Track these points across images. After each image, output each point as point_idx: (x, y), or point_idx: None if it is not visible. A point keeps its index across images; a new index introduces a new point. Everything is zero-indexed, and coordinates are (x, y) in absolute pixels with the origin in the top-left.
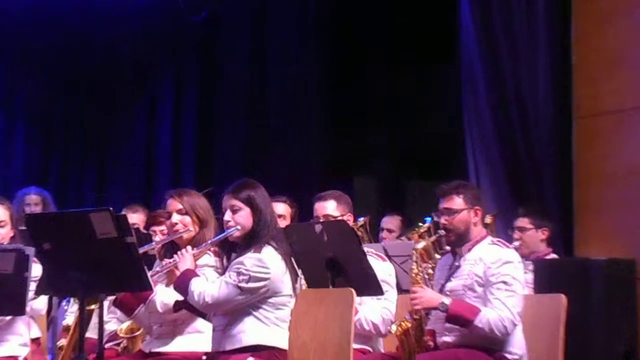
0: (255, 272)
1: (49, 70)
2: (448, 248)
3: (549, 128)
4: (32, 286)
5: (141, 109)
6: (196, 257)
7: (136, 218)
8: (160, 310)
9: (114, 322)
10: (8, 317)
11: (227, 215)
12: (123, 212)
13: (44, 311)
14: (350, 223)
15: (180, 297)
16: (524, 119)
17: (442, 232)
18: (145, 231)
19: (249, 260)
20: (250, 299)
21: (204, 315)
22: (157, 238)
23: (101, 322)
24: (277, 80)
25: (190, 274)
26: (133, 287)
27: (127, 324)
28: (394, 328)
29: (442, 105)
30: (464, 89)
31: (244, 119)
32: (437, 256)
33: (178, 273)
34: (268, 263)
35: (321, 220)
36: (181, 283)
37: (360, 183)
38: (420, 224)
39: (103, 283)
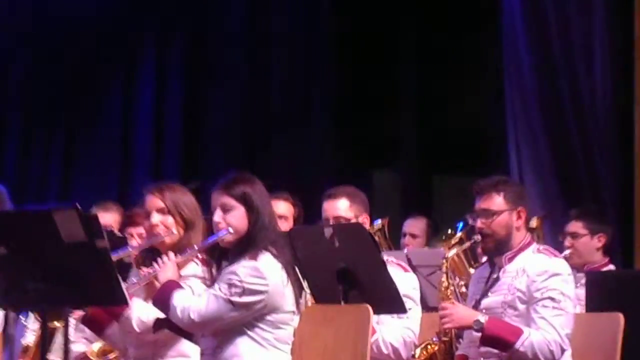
0: (250, 284)
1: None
2: (485, 258)
3: (607, 115)
4: None
5: (116, 87)
6: (180, 266)
7: (109, 218)
8: (137, 329)
9: (82, 342)
10: None
11: (218, 216)
12: (93, 211)
13: (0, 328)
14: (367, 226)
15: (162, 314)
16: (578, 104)
17: (477, 237)
18: (119, 234)
19: (243, 270)
20: (245, 316)
21: (189, 336)
22: (134, 242)
23: (66, 342)
24: (280, 55)
25: (172, 286)
26: (105, 301)
27: (97, 345)
28: (417, 352)
29: (479, 86)
30: (506, 68)
31: (240, 102)
32: (472, 270)
33: (158, 285)
34: (266, 273)
35: (331, 223)
36: (161, 297)
37: (379, 178)
38: (451, 230)
39: (69, 295)
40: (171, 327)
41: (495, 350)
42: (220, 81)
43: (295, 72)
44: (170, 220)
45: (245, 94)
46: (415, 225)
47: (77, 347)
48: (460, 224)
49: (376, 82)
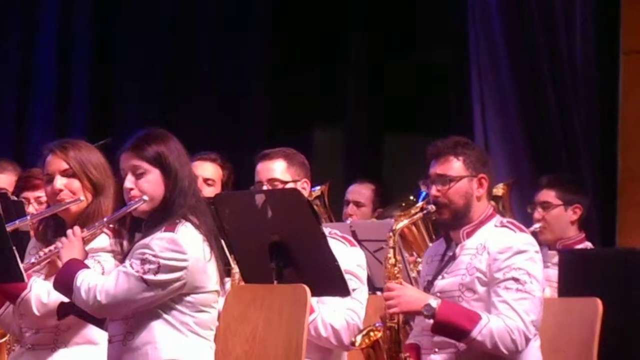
0: (166, 259)
1: None
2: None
3: (587, 66)
4: None
5: (13, 28)
6: (87, 241)
7: (3, 180)
8: (36, 312)
9: None
10: None
11: (129, 182)
12: None
13: None
14: (306, 192)
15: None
16: (553, 54)
17: (431, 207)
18: (15, 198)
19: (158, 243)
20: (160, 297)
21: (99, 322)
22: (32, 209)
23: None
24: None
25: (76, 266)
26: None
27: None
28: (358, 339)
29: (440, 30)
30: (470, 10)
31: (158, 44)
32: (430, 244)
33: (60, 264)
34: (185, 246)
35: (265, 188)
36: (64, 278)
37: (319, 136)
38: (413, 197)
39: None
40: (78, 313)
41: (452, 340)
42: (138, 19)
43: (226, 8)
44: (76, 184)
45: (168, 36)
46: (360, 192)
47: None
48: (424, 192)
49: (317, 21)
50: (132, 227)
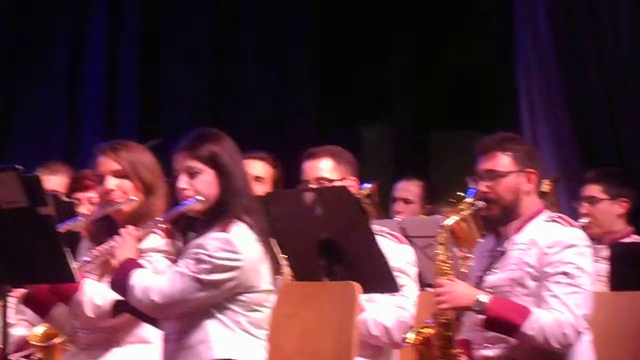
0: (220, 259)
1: None
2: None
3: (634, 64)
4: None
5: (62, 29)
6: (140, 239)
7: (55, 182)
8: (91, 314)
9: (23, 325)
10: None
11: (183, 182)
12: (37, 173)
13: None
14: (354, 190)
15: (120, 296)
16: (600, 50)
17: (480, 203)
18: (67, 199)
19: (212, 243)
20: (214, 297)
21: (153, 321)
22: (85, 210)
23: (5, 326)
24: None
25: (131, 266)
26: (50, 278)
27: (41, 329)
28: (410, 336)
29: (486, 28)
30: (516, 9)
31: (205, 44)
32: (480, 240)
33: (115, 264)
34: (239, 246)
35: (313, 186)
36: (120, 278)
37: (367, 135)
38: (462, 194)
39: (8, 271)
40: (133, 311)
41: (503, 335)
42: (185, 20)
43: (272, 9)
44: (127, 184)
45: (215, 36)
46: (408, 189)
47: (17, 330)
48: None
49: (365, 22)
50: (185, 227)
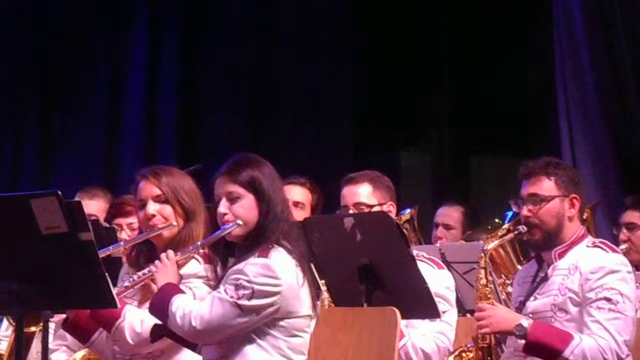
0: (260, 285)
1: None
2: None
3: None
4: None
5: (101, 56)
6: (180, 265)
7: (94, 206)
8: (130, 341)
9: (63, 350)
10: None
11: (223, 207)
12: (77, 198)
13: None
14: (393, 215)
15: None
16: (639, 69)
17: (522, 228)
18: (107, 225)
19: (252, 268)
20: (254, 322)
21: (193, 346)
22: (125, 235)
23: (45, 351)
24: (291, 17)
25: (171, 291)
26: (90, 304)
27: (81, 354)
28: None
29: (525, 53)
30: (555, 32)
31: (245, 71)
32: (519, 267)
33: (155, 289)
34: (278, 272)
35: (352, 212)
36: (159, 303)
37: (407, 160)
38: (498, 220)
39: (48, 297)
40: (172, 336)
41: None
42: (223, 47)
43: (310, 36)
44: (168, 209)
45: (252, 62)
46: (449, 215)
47: (57, 356)
48: (510, 213)
49: (404, 48)
50: (224, 252)
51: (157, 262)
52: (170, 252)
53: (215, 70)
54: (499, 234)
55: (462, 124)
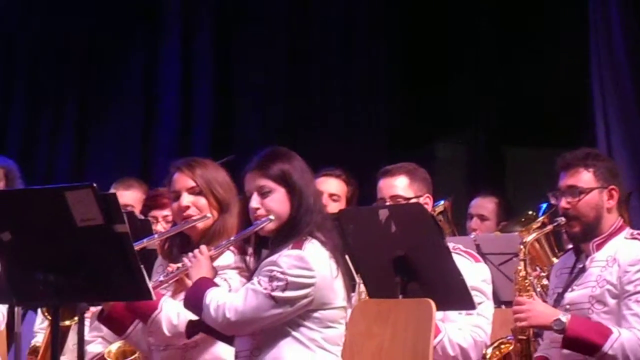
0: (294, 277)
1: None
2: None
3: None
4: None
5: (136, 50)
6: (213, 259)
7: (129, 196)
8: (167, 333)
9: (99, 342)
10: None
11: (255, 201)
12: (112, 189)
13: (1, 326)
14: (429, 207)
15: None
16: None
17: (561, 219)
18: (142, 217)
19: (285, 260)
20: (288, 314)
21: (229, 340)
22: (160, 227)
23: (81, 343)
24: (332, 11)
25: (205, 285)
26: (126, 296)
27: (117, 345)
28: (489, 352)
29: (559, 43)
30: (591, 21)
31: (280, 64)
32: (555, 260)
33: (189, 283)
34: (312, 263)
35: (388, 204)
36: (193, 297)
37: (441, 151)
38: (532, 212)
39: (84, 289)
40: (207, 330)
41: (580, 353)
42: (258, 37)
43: (345, 30)
44: (202, 201)
45: (287, 55)
46: (483, 206)
47: (93, 347)
48: (544, 205)
49: (439, 39)
50: (257, 244)
51: (190, 256)
52: (204, 247)
53: (250, 64)
54: (534, 226)
55: (497, 115)
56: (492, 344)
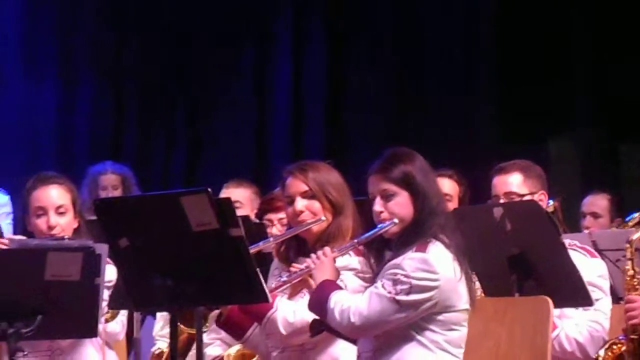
0: (418, 280)
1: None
2: None
3: None
4: (106, 296)
5: (247, 54)
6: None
7: (240, 194)
8: (283, 331)
9: (217, 344)
10: (71, 340)
11: (378, 205)
12: (223, 189)
13: (121, 335)
14: (544, 204)
15: (312, 314)
16: None
17: None
18: (257, 220)
19: (409, 263)
20: (412, 317)
21: (353, 340)
22: (276, 230)
23: (200, 344)
24: (437, 14)
25: (329, 287)
26: (242, 298)
27: (235, 349)
28: (601, 353)
29: None
30: None
31: (391, 67)
32: None
33: (313, 285)
34: (436, 266)
35: (502, 201)
36: (317, 299)
37: (554, 149)
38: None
39: (201, 293)
40: (332, 330)
41: None
42: (367, 44)
43: (454, 29)
44: (316, 205)
45: (398, 57)
46: (596, 204)
47: (213, 350)
48: None
49: (549, 32)
50: (380, 247)
51: (314, 257)
52: (327, 249)
53: (362, 66)
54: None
55: (610, 112)
56: (603, 345)
